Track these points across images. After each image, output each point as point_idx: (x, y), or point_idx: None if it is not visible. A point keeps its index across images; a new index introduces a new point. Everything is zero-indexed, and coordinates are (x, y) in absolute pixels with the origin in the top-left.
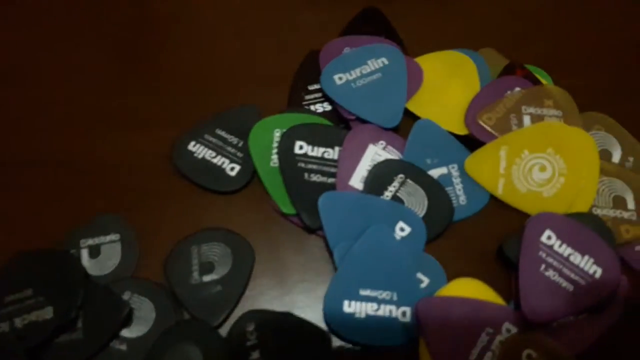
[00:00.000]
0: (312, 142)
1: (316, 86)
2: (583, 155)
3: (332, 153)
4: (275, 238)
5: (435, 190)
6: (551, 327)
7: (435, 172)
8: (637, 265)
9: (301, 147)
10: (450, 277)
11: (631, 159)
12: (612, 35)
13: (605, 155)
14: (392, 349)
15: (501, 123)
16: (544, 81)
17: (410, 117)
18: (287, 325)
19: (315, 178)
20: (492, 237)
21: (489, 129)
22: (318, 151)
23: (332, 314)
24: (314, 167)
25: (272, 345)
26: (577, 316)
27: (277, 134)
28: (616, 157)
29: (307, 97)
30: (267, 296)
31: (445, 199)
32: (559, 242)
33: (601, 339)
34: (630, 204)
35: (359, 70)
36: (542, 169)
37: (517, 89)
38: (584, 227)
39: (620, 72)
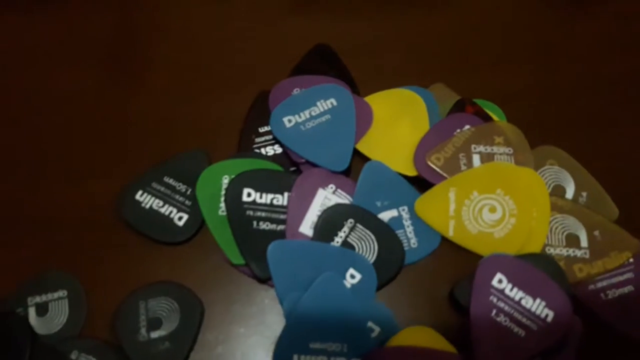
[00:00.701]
0: (261, 189)
1: (267, 128)
2: (533, 195)
3: (282, 199)
4: (226, 290)
5: (386, 234)
6: None
7: (385, 215)
8: (591, 305)
9: (249, 195)
10: (402, 324)
11: (585, 193)
12: (568, 67)
13: (558, 190)
14: None
15: (450, 163)
16: (495, 117)
17: (362, 159)
18: None
19: (264, 226)
20: (444, 280)
21: (437, 169)
22: (267, 198)
23: None
24: (263, 214)
25: None
26: None
27: (225, 181)
28: (570, 192)
29: (258, 140)
30: (215, 352)
31: (395, 242)
32: (510, 286)
33: None
34: (583, 242)
35: (308, 112)
36: (492, 210)
37: (467, 126)
38: (535, 269)
39: (575, 105)
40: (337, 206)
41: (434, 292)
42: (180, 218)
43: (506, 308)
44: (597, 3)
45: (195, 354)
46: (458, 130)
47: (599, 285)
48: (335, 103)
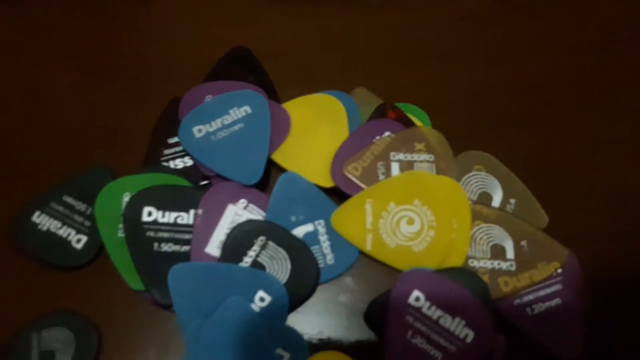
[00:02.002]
0: (163, 207)
1: (177, 139)
2: (452, 205)
3: (187, 217)
4: (127, 317)
5: (299, 252)
6: None
7: (300, 230)
8: (516, 321)
9: (150, 214)
10: (316, 348)
11: (513, 201)
12: (496, 70)
13: (485, 198)
14: None
15: (368, 173)
16: (417, 122)
17: (280, 170)
18: None
19: (166, 248)
20: (362, 298)
21: (355, 180)
22: (170, 217)
23: None
24: (165, 235)
25: None
26: None
27: (126, 199)
28: (497, 199)
29: (167, 151)
30: None
31: (310, 260)
32: (428, 304)
33: None
34: (510, 253)
35: (220, 121)
36: (410, 221)
37: (387, 133)
38: (455, 285)
39: (504, 108)
40: (247, 223)
41: (350, 311)
42: (78, 240)
43: (423, 329)
44: (521, 7)
45: None
46: (377, 138)
47: (525, 299)
48: (249, 110)
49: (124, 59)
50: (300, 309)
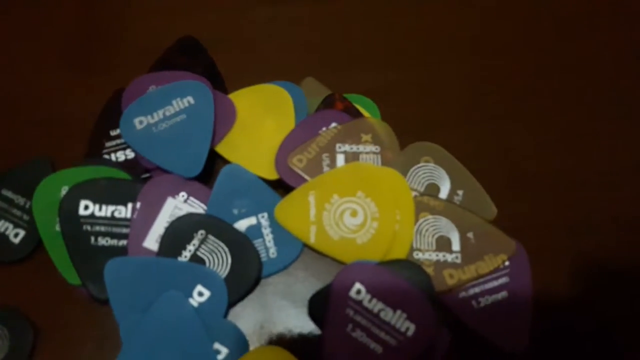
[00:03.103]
0: (100, 200)
1: (119, 131)
2: (395, 197)
3: (124, 211)
4: (64, 313)
5: (241, 245)
6: None
7: (242, 224)
8: (461, 314)
9: (87, 207)
10: (257, 343)
11: (460, 192)
12: (447, 63)
13: (432, 189)
14: None
15: (312, 165)
16: (366, 113)
17: (225, 162)
18: None
19: (103, 242)
20: (305, 292)
21: (299, 172)
22: (107, 210)
23: None
24: (102, 229)
25: None
26: None
27: (64, 192)
28: (445, 191)
29: (109, 144)
30: None
31: (251, 254)
32: (369, 297)
33: None
34: (455, 245)
35: (162, 112)
36: (354, 213)
37: (333, 124)
38: (397, 278)
39: (454, 101)
40: (187, 216)
41: (293, 305)
42: (16, 234)
43: (363, 322)
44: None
45: None
46: (324, 129)
47: (471, 292)
48: (192, 101)
49: (69, 49)
50: (242, 304)
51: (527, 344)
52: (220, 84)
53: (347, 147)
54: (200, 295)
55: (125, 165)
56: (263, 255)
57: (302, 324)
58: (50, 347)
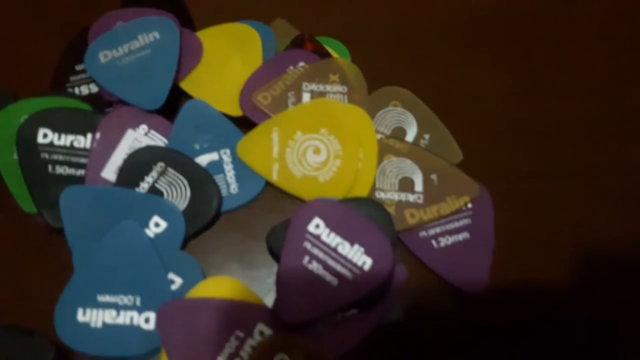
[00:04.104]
0: (60, 129)
1: (83, 66)
2: (359, 135)
3: (84, 141)
4: (16, 242)
5: (200, 179)
6: (314, 327)
7: (204, 159)
8: (420, 253)
9: (45, 135)
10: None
11: (427, 136)
12: (419, 8)
13: (399, 133)
14: None
15: (277, 102)
16: (335, 55)
17: (188, 99)
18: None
19: (61, 170)
20: (265, 229)
21: (263, 109)
22: (66, 139)
23: (63, 324)
24: (60, 157)
25: None
26: (344, 314)
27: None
28: (411, 134)
29: (73, 78)
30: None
31: (211, 188)
32: (327, 231)
33: (376, 335)
34: (418, 186)
35: (127, 47)
36: (317, 151)
37: (301, 63)
38: (357, 214)
39: (424, 45)
40: (147, 148)
41: (253, 241)
42: None
43: (320, 255)
44: None
45: None
46: (291, 68)
47: (431, 232)
48: (157, 37)
49: None
50: (201, 237)
51: (485, 285)
52: (189, 22)
53: (313, 86)
54: (156, 226)
55: (89, 99)
56: (224, 190)
57: (260, 260)
58: (1, 275)
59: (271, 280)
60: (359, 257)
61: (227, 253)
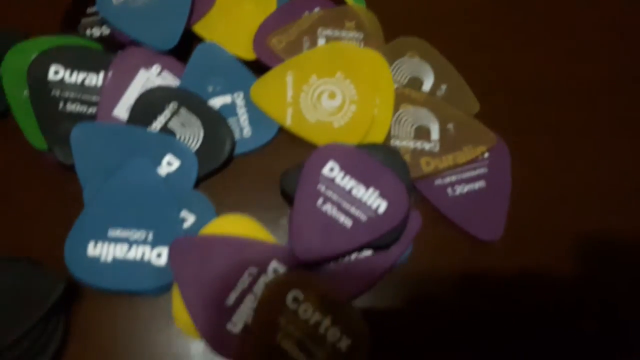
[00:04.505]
0: (71, 66)
1: (96, 8)
2: (375, 81)
3: (96, 79)
4: (26, 177)
5: (214, 121)
6: (327, 267)
7: (217, 101)
8: (435, 200)
9: (57, 72)
10: None
11: (444, 86)
12: None
13: (415, 83)
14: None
15: (292, 46)
16: (352, 2)
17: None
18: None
19: (72, 108)
20: (278, 172)
21: (277, 52)
22: (78, 77)
23: (73, 258)
24: (72, 94)
25: None
26: (358, 254)
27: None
28: (428, 84)
29: (85, 20)
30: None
31: (224, 130)
32: (342, 174)
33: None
34: (434, 135)
35: None
36: (332, 95)
37: (317, 9)
38: (372, 159)
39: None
40: (160, 88)
41: (266, 184)
42: None
43: (334, 197)
44: None
45: None
46: (306, 12)
47: (447, 180)
48: None
49: None
50: (213, 179)
51: (501, 234)
52: None
53: (329, 32)
54: (169, 164)
55: (100, 40)
56: (237, 133)
57: (273, 202)
58: (12, 210)
59: (284, 221)
60: (374, 200)
61: (239, 195)
